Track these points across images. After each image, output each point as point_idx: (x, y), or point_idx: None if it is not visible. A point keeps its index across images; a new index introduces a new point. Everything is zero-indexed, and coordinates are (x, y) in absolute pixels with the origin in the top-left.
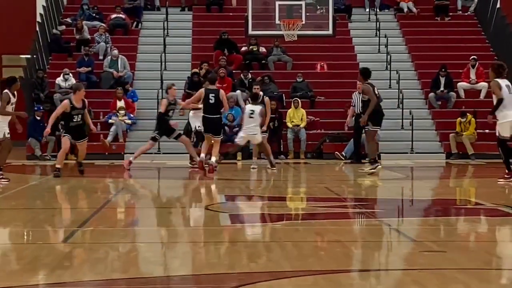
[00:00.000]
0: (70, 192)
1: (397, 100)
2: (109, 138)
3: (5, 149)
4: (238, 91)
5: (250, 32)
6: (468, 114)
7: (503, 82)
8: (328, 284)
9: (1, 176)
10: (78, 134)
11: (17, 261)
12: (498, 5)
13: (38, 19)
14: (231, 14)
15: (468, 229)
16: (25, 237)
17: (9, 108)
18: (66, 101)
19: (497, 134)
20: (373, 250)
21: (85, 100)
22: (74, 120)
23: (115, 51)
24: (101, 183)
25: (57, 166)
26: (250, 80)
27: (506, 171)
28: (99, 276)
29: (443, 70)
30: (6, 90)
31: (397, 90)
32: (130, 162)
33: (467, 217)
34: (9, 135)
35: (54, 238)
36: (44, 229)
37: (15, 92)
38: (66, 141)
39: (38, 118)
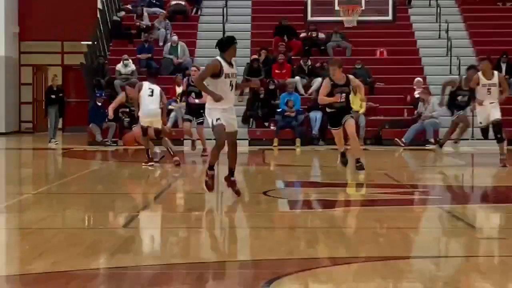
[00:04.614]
0: (130, 178)
1: None
2: (169, 124)
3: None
4: (297, 77)
5: (309, 18)
6: None
7: None
8: (387, 270)
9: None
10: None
11: (77, 245)
12: None
13: (99, 5)
14: (290, 0)
15: None
16: (86, 221)
17: (217, 84)
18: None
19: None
20: (432, 237)
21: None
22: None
23: (175, 37)
24: (160, 169)
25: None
26: (310, 66)
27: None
28: (158, 260)
29: (504, 56)
30: (217, 57)
31: (458, 76)
32: None
33: None
34: (217, 122)
35: (114, 222)
36: (104, 213)
37: (232, 61)
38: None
39: (99, 104)
